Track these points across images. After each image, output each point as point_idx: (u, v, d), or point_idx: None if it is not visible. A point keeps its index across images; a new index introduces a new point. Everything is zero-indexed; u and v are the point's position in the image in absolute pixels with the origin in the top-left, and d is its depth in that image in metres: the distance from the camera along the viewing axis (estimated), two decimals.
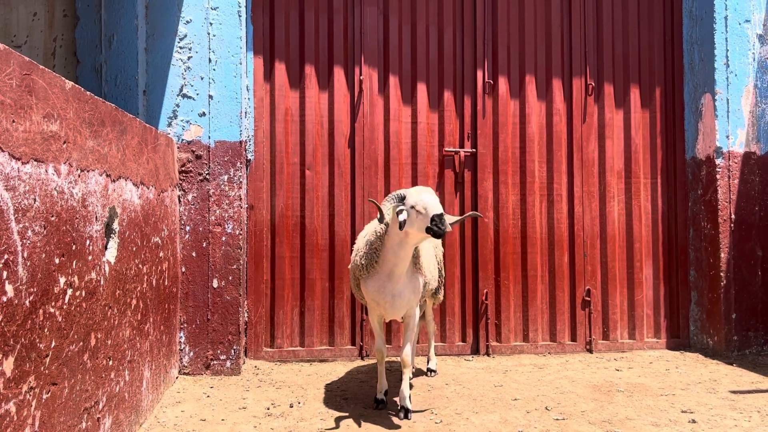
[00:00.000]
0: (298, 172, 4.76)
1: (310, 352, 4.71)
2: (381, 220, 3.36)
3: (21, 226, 1.78)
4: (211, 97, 4.33)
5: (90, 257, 2.37)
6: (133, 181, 3.05)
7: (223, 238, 4.33)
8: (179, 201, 4.27)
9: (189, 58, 4.30)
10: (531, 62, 5.00)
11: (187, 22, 4.30)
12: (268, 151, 4.72)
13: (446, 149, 4.88)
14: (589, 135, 5.01)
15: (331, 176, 4.79)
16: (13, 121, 1.73)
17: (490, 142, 4.93)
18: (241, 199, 4.37)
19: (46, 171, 1.96)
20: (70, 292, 2.17)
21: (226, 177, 4.34)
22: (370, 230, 3.66)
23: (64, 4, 4.20)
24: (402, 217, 3.24)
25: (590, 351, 4.93)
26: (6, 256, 1.69)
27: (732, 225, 4.76)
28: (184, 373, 4.26)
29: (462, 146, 4.92)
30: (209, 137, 4.33)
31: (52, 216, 2.01)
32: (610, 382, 4.12)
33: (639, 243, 5.04)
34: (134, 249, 3.07)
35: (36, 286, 1.90)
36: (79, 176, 2.24)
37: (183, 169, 4.28)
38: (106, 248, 2.62)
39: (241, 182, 4.37)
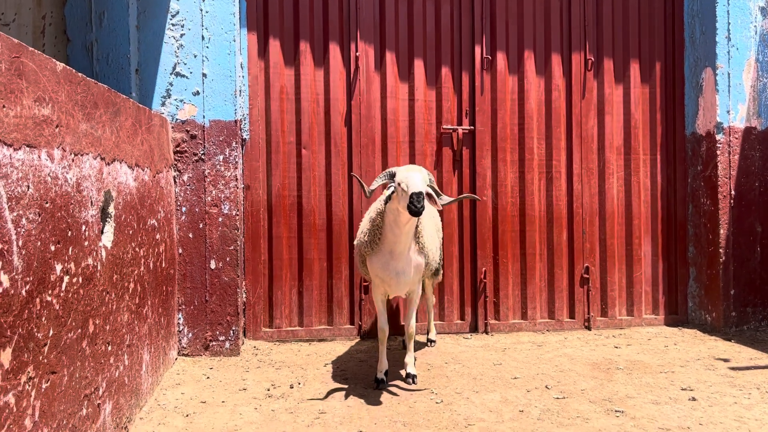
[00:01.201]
0: (294, 151, 4.70)
1: (309, 331, 4.70)
2: (366, 194, 3.48)
3: (15, 214, 1.73)
4: (204, 75, 4.24)
5: (86, 243, 2.33)
6: (128, 163, 2.99)
7: (220, 219, 4.28)
8: (174, 182, 4.21)
9: (182, 35, 4.21)
10: (530, 37, 4.92)
11: None
12: (264, 130, 4.65)
13: (444, 127, 4.82)
14: (588, 111, 4.96)
15: (328, 155, 4.73)
16: (3, 106, 1.67)
17: (489, 119, 4.87)
18: (237, 179, 4.31)
19: (39, 157, 1.91)
20: (66, 279, 2.13)
21: (221, 157, 4.28)
22: (374, 208, 3.69)
23: None
24: (388, 192, 3.38)
25: (588, 328, 4.94)
26: (0, 246, 1.64)
27: (732, 201, 4.74)
28: (183, 354, 4.24)
29: (460, 123, 4.86)
30: (204, 116, 4.25)
31: (47, 202, 1.96)
32: (609, 360, 4.13)
33: (638, 220, 5.02)
34: (131, 232, 3.03)
35: (32, 275, 1.86)
36: (72, 161, 2.19)
37: (178, 149, 4.22)
38: (102, 233, 2.58)
39: (236, 162, 4.31)
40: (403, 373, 3.82)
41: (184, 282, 4.24)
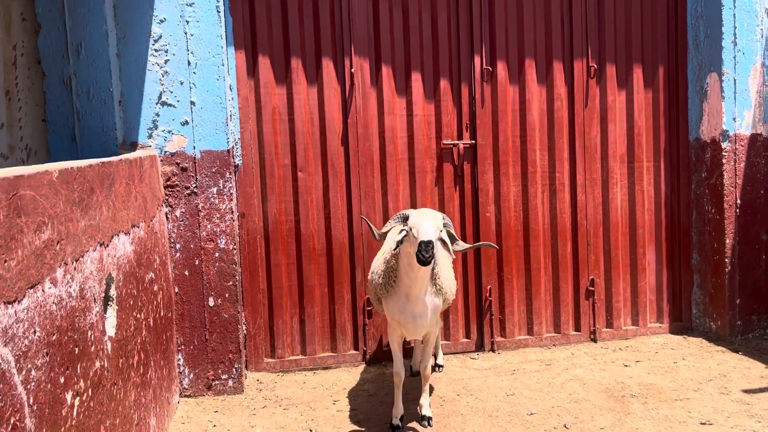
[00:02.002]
0: (290, 175, 4.49)
1: (313, 360, 4.57)
2: (375, 238, 3.37)
3: (24, 372, 1.54)
4: (193, 103, 3.98)
5: (92, 348, 2.15)
6: (124, 230, 2.78)
7: (217, 254, 4.08)
8: (167, 218, 3.99)
9: (166, 61, 3.93)
10: (530, 45, 4.71)
11: (161, 21, 3.90)
12: (257, 153, 4.42)
13: (444, 142, 4.63)
14: (591, 119, 4.80)
15: (325, 177, 4.53)
16: (5, 261, 1.47)
17: (490, 133, 4.69)
18: (232, 211, 4.11)
19: (43, 289, 1.71)
20: (77, 402, 1.95)
21: (215, 189, 4.06)
22: (388, 248, 3.55)
23: (21, 6, 3.76)
24: (398, 237, 3.25)
25: (594, 340, 4.88)
26: (12, 419, 1.46)
27: (737, 210, 4.66)
28: (185, 396, 4.09)
29: (460, 138, 4.68)
30: (194, 147, 4.01)
31: (54, 335, 1.77)
32: (621, 384, 4.08)
33: (642, 229, 4.93)
34: (131, 302, 2.84)
35: (44, 425, 1.68)
36: (75, 269, 1.98)
37: (168, 183, 3.98)
38: (105, 323, 2.39)
39: (231, 193, 4.10)
40: (418, 412, 3.71)
41: (182, 322, 4.06)
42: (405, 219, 3.30)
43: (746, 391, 3.89)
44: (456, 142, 4.64)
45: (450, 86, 4.64)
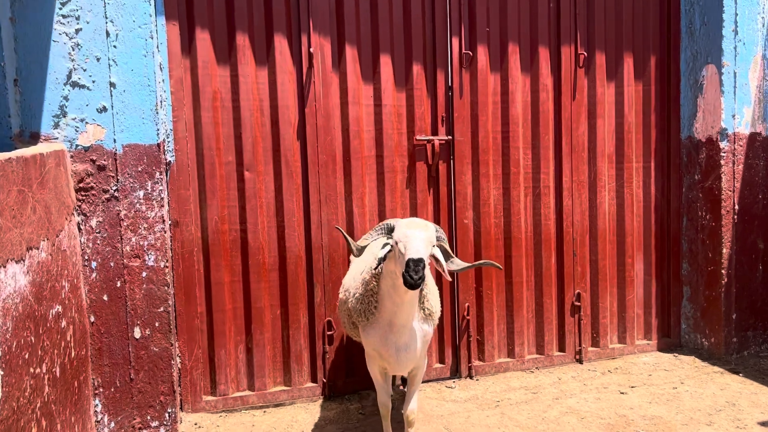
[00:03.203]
0: (235, 174, 3.72)
1: (262, 396, 3.82)
2: (354, 253, 2.76)
3: None
4: (113, 85, 3.16)
5: None
6: (15, 257, 1.98)
7: (144, 274, 3.28)
8: (79, 229, 3.15)
9: (77, 31, 3.08)
10: (514, 27, 4.11)
11: None
12: (194, 148, 3.63)
13: (417, 137, 3.97)
14: (579, 114, 4.26)
15: (278, 177, 3.78)
16: None
17: (469, 127, 4.07)
18: (163, 220, 3.31)
19: None
20: None
21: (141, 193, 3.25)
22: (367, 259, 2.94)
23: None
24: (381, 253, 2.63)
25: (580, 361, 4.36)
26: None
27: (735, 216, 4.24)
28: None
29: (435, 133, 4.03)
30: (115, 140, 3.19)
31: None
32: (624, 418, 3.56)
33: (631, 237, 4.44)
34: (27, 356, 2.04)
35: None
36: None
37: (81, 185, 3.14)
38: None
39: (162, 198, 3.30)
40: None
41: (100, 358, 3.24)
42: (390, 230, 2.71)
43: (763, 424, 3.44)
44: (430, 137, 3.99)
45: (424, 72, 3.98)
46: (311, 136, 3.79)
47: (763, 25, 4.21)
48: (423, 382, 4.05)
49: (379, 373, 3.07)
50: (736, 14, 4.13)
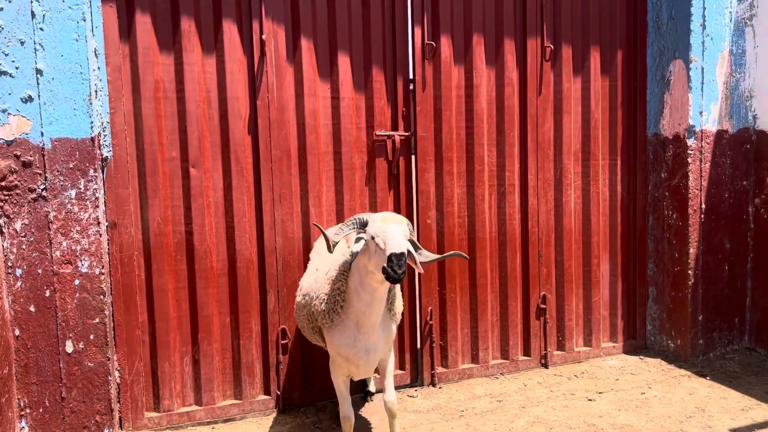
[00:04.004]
0: (180, 171, 3.42)
1: (211, 411, 3.54)
2: (330, 249, 2.61)
3: None
4: (39, 72, 2.83)
5: None
6: None
7: (77, 282, 2.96)
8: (1, 233, 2.81)
9: None
10: (479, 17, 3.91)
11: None
12: (133, 143, 3.31)
13: (377, 133, 3.74)
14: (545, 110, 4.10)
15: (227, 175, 3.49)
16: None
17: (432, 122, 3.86)
18: (99, 222, 3.00)
19: None
20: None
21: (73, 192, 2.93)
22: (331, 257, 2.83)
23: None
24: (356, 247, 2.59)
25: (545, 366, 4.21)
26: None
27: (702, 216, 4.14)
28: None
29: (396, 128, 3.81)
30: (42, 134, 2.86)
31: None
32: (593, 427, 3.40)
33: (597, 236, 4.31)
34: None
35: None
36: None
37: (4, 184, 2.81)
38: None
39: (97, 197, 2.98)
40: None
41: (27, 376, 2.91)
42: (363, 225, 2.60)
43: (734, 431, 3.34)
44: (391, 133, 3.76)
45: (384, 63, 3.75)
46: (264, 130, 3.52)
47: (731, 20, 4.11)
48: (381, 390, 3.83)
49: (343, 384, 2.94)
50: (704, 8, 4.02)
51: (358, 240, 2.57)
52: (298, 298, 3.12)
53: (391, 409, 3.00)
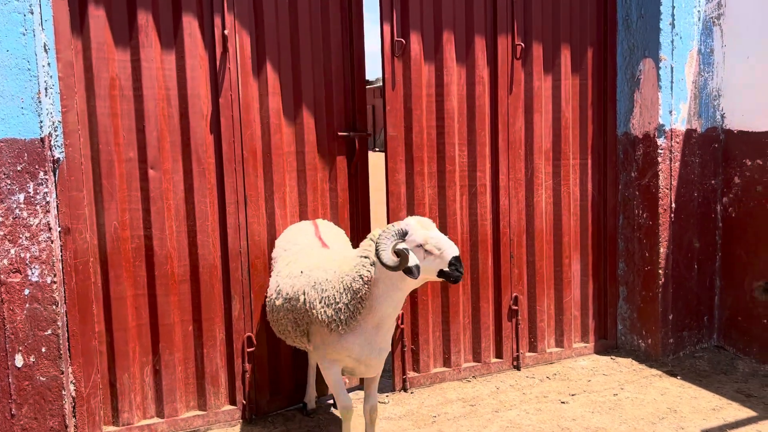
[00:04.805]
0: (137, 173, 3.25)
1: (173, 423, 3.39)
2: (392, 268, 2.58)
3: None
4: None
5: None
6: None
7: (26, 292, 2.79)
8: None
9: None
10: (449, 13, 3.83)
11: None
12: (88, 143, 3.13)
13: (339, 132, 3.66)
14: (516, 109, 4.03)
15: (188, 176, 3.34)
16: None
17: (402, 122, 3.76)
18: (50, 227, 2.82)
19: None
20: None
21: (21, 196, 2.75)
22: (342, 270, 2.81)
23: None
24: (414, 261, 2.58)
25: (518, 368, 4.16)
26: None
27: (672, 215, 4.14)
28: None
29: (355, 128, 3.71)
30: None
31: None
32: (567, 431, 3.36)
33: (568, 236, 4.28)
34: None
35: None
36: None
37: None
38: None
39: (48, 201, 2.81)
40: None
41: None
42: (403, 235, 2.62)
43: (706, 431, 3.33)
44: (352, 132, 3.67)
45: (342, 63, 3.66)
46: (227, 130, 3.37)
47: (699, 19, 4.11)
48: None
49: (337, 378, 2.95)
50: (673, 7, 4.01)
51: (398, 252, 2.55)
52: (277, 301, 3.04)
53: (373, 417, 3.06)
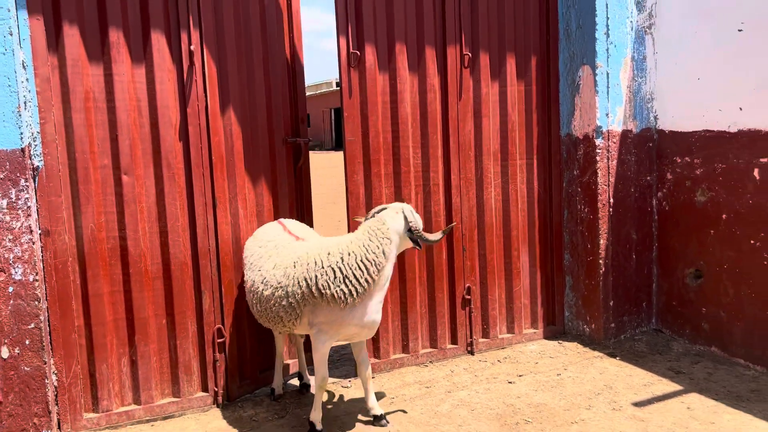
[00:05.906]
0: (112, 179, 3.51)
1: (150, 409, 3.66)
2: (435, 241, 3.33)
3: None
4: None
5: None
6: None
7: (10, 289, 3.05)
8: None
9: None
10: (401, 27, 4.14)
11: None
12: (65, 152, 3.39)
13: (287, 138, 4.01)
14: (466, 113, 4.36)
15: (159, 181, 3.62)
16: None
17: (359, 127, 4.07)
18: (31, 230, 3.08)
19: None
20: None
21: (4, 202, 3.02)
22: (327, 244, 3.21)
23: None
24: (433, 234, 3.34)
25: (471, 353, 4.50)
26: None
27: (611, 209, 4.50)
28: None
29: (298, 134, 4.01)
30: None
31: None
32: (512, 408, 3.69)
33: (516, 230, 4.62)
34: None
35: None
36: None
37: None
38: None
39: (29, 206, 3.07)
40: (372, 414, 3.57)
41: None
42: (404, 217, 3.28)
43: (636, 404, 3.68)
44: (298, 138, 3.96)
45: (288, 74, 4.02)
46: (194, 137, 3.65)
47: (632, 29, 4.47)
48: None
49: (327, 353, 3.31)
50: (608, 18, 4.36)
51: (415, 229, 3.24)
52: (265, 292, 3.24)
53: (366, 376, 3.52)
